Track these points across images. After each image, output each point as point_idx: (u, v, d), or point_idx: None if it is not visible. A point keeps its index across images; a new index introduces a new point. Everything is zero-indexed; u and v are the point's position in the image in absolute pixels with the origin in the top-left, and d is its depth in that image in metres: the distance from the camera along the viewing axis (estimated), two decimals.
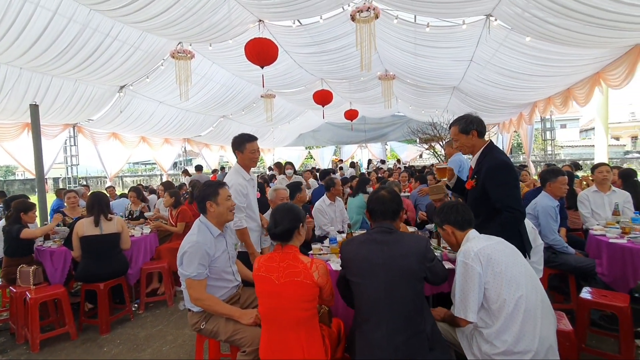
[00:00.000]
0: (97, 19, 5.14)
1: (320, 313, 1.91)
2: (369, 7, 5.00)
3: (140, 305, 3.77)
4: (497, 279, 1.67)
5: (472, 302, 1.68)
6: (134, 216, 5.07)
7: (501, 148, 2.49)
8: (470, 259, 1.70)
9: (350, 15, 5.18)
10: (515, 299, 1.63)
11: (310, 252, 2.94)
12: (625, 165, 15.92)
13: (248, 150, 2.79)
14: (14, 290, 3.19)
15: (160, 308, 3.82)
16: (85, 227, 3.29)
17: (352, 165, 13.93)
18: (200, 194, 2.21)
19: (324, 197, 4.16)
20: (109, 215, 3.42)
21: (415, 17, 5.87)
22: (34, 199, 4.62)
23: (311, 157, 21.47)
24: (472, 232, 1.88)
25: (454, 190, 2.54)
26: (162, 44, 6.43)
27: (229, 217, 2.23)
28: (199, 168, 10.95)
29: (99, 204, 3.36)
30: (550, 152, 10.76)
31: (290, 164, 6.37)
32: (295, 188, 3.75)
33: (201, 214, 2.23)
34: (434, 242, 2.98)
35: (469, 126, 2.20)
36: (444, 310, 2.00)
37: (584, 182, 5.49)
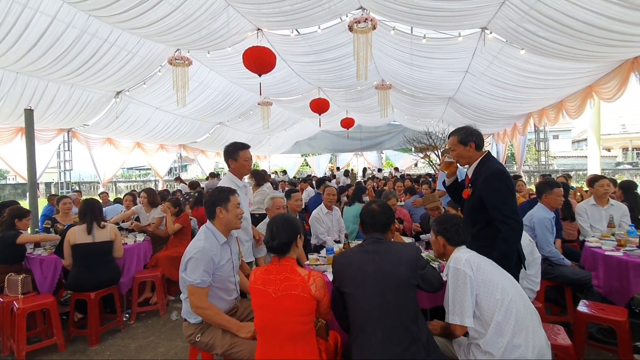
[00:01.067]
0: (95, 24, 5.13)
1: (318, 326, 1.88)
2: (366, 19, 5.06)
3: (131, 315, 3.67)
4: (487, 285, 1.71)
5: (467, 307, 1.70)
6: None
7: (496, 158, 2.50)
8: (462, 264, 1.75)
9: (348, 26, 5.24)
10: (506, 304, 1.67)
11: (307, 262, 2.90)
12: (617, 176, 16.17)
13: (242, 158, 2.82)
14: (1, 300, 3.09)
15: (152, 318, 3.72)
16: (78, 234, 3.21)
17: (346, 173, 13.83)
18: (210, 199, 2.15)
19: (321, 205, 4.13)
20: (102, 223, 3.35)
21: (412, 28, 5.95)
22: (24, 203, 4.53)
23: (307, 165, 21.48)
24: (462, 246, 1.92)
25: (448, 189, 2.53)
26: (160, 51, 6.43)
27: (236, 225, 2.20)
28: (213, 175, 10.88)
29: (91, 212, 3.29)
30: (544, 163, 10.88)
31: (255, 172, 5.18)
32: (286, 196, 3.79)
33: (208, 220, 2.18)
34: (431, 253, 2.96)
35: (468, 138, 2.21)
36: (440, 323, 1.98)
37: (578, 194, 5.54)
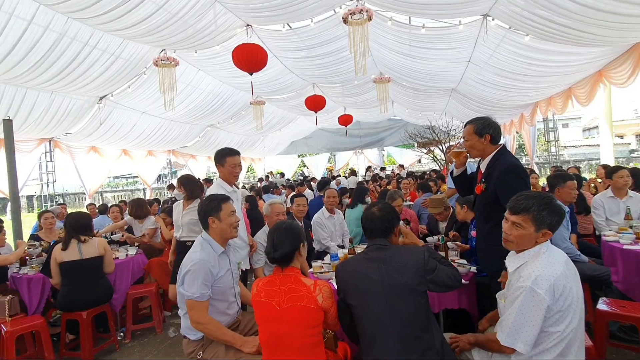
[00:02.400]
0: (75, 27, 5.12)
1: (326, 338, 1.88)
2: (361, 9, 5.08)
3: (126, 334, 3.67)
4: (562, 312, 1.54)
5: (529, 333, 1.54)
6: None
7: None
8: (544, 290, 1.51)
9: (342, 17, 5.25)
10: (565, 334, 1.55)
11: (311, 269, 2.91)
12: (632, 164, 16.24)
13: (228, 164, 2.90)
14: None
15: (149, 336, 3.72)
16: (64, 252, 3.21)
17: (353, 172, 13.84)
18: (202, 209, 2.18)
19: (323, 209, 4.13)
20: (83, 237, 3.27)
21: (409, 18, 5.97)
22: (5, 219, 4.50)
23: (304, 166, 21.47)
24: (547, 245, 1.66)
25: (455, 180, 2.53)
26: (144, 52, 6.43)
27: (232, 234, 2.21)
28: (207, 181, 10.85)
29: (71, 228, 3.27)
30: (554, 153, 10.91)
31: (186, 179, 4.89)
32: (290, 202, 3.78)
33: (203, 230, 2.20)
34: (441, 255, 2.97)
35: (485, 129, 2.21)
36: (470, 338, 1.82)
37: (592, 185, 5.56)
